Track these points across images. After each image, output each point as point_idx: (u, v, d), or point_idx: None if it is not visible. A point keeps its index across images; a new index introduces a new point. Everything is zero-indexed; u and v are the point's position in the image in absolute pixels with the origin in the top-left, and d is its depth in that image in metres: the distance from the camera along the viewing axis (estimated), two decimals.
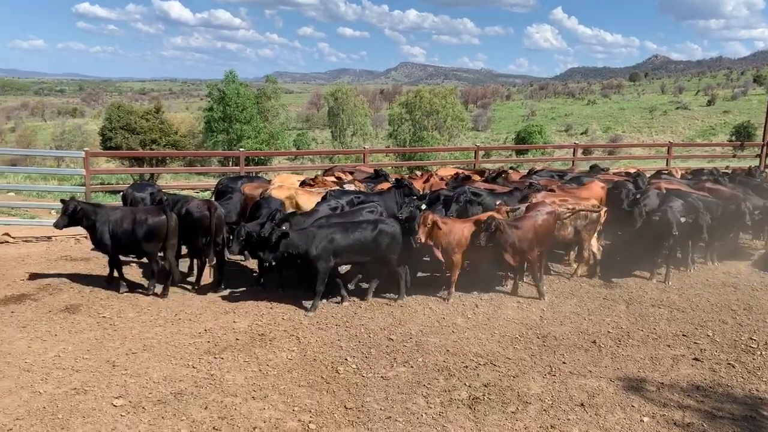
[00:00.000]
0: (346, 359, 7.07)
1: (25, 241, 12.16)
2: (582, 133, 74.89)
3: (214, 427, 5.64)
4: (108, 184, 20.80)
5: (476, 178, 12.93)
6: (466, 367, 6.95)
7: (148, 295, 9.03)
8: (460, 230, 8.85)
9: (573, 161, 18.99)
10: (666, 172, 14.75)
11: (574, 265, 10.41)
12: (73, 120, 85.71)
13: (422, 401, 6.19)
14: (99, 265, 10.49)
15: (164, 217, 8.87)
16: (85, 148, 15.73)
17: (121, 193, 11.56)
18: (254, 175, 15.35)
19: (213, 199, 10.98)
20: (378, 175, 12.98)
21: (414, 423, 5.81)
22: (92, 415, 5.76)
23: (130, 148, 34.38)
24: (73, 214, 8.98)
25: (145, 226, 8.78)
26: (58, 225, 9.13)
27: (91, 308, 8.46)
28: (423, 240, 8.51)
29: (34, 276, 9.72)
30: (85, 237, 10.84)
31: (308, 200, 10.19)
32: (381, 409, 6.03)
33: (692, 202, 10.48)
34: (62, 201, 9.17)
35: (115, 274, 9.32)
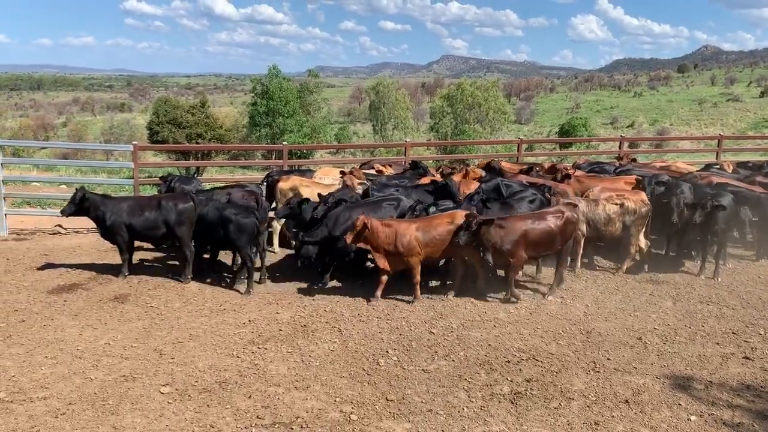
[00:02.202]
0: (387, 352, 7.09)
1: (77, 232, 12.55)
2: (628, 126, 73.19)
3: (257, 416, 5.73)
4: (156, 177, 21.28)
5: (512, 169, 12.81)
6: (508, 361, 6.90)
7: (181, 281, 9.34)
8: (407, 232, 8.39)
9: (619, 155, 18.60)
10: (717, 166, 14.32)
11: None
12: (121, 114, 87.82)
13: (464, 395, 6.18)
14: (147, 256, 10.78)
15: (192, 203, 9.26)
16: (133, 142, 16.12)
17: (161, 187, 11.80)
18: (297, 168, 15.47)
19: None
20: (416, 167, 12.83)
21: (455, 416, 5.80)
22: (140, 402, 5.92)
23: (177, 141, 35.07)
24: (80, 203, 9.30)
25: (175, 212, 9.20)
26: (64, 212, 9.50)
27: (139, 298, 8.69)
28: (349, 242, 8.36)
29: (85, 266, 10.02)
30: None
31: (311, 191, 10.56)
32: (422, 401, 6.04)
33: (721, 193, 10.18)
34: (77, 189, 9.53)
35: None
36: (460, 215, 8.54)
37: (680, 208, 9.59)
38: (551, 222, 8.64)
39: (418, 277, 8.60)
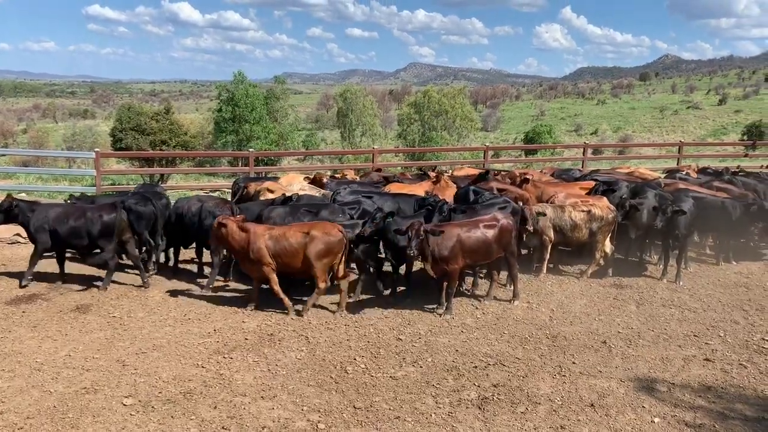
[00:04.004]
0: (355, 359, 7.06)
1: None
2: (592, 133, 74.43)
3: (223, 427, 5.64)
4: (119, 184, 20.89)
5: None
6: (476, 367, 6.93)
7: (144, 287, 9.33)
8: (258, 238, 8.04)
9: (583, 161, 18.92)
10: (683, 172, 14.65)
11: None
12: (84, 121, 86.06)
13: (431, 401, 6.18)
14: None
15: (116, 214, 9.19)
16: (95, 149, 15.85)
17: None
18: (264, 175, 15.39)
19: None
20: (387, 182, 12.76)
21: (423, 423, 5.79)
22: (102, 415, 5.78)
23: (141, 148, 34.52)
24: (7, 211, 9.22)
25: (99, 222, 9.09)
26: None
27: (101, 308, 8.50)
28: (210, 243, 8.30)
29: (45, 276, 9.77)
30: None
31: (270, 197, 10.81)
32: (390, 409, 6.02)
33: (663, 195, 10.49)
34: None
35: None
36: (319, 227, 8.14)
37: (625, 209, 9.85)
38: (486, 230, 8.44)
39: (277, 287, 8.23)
